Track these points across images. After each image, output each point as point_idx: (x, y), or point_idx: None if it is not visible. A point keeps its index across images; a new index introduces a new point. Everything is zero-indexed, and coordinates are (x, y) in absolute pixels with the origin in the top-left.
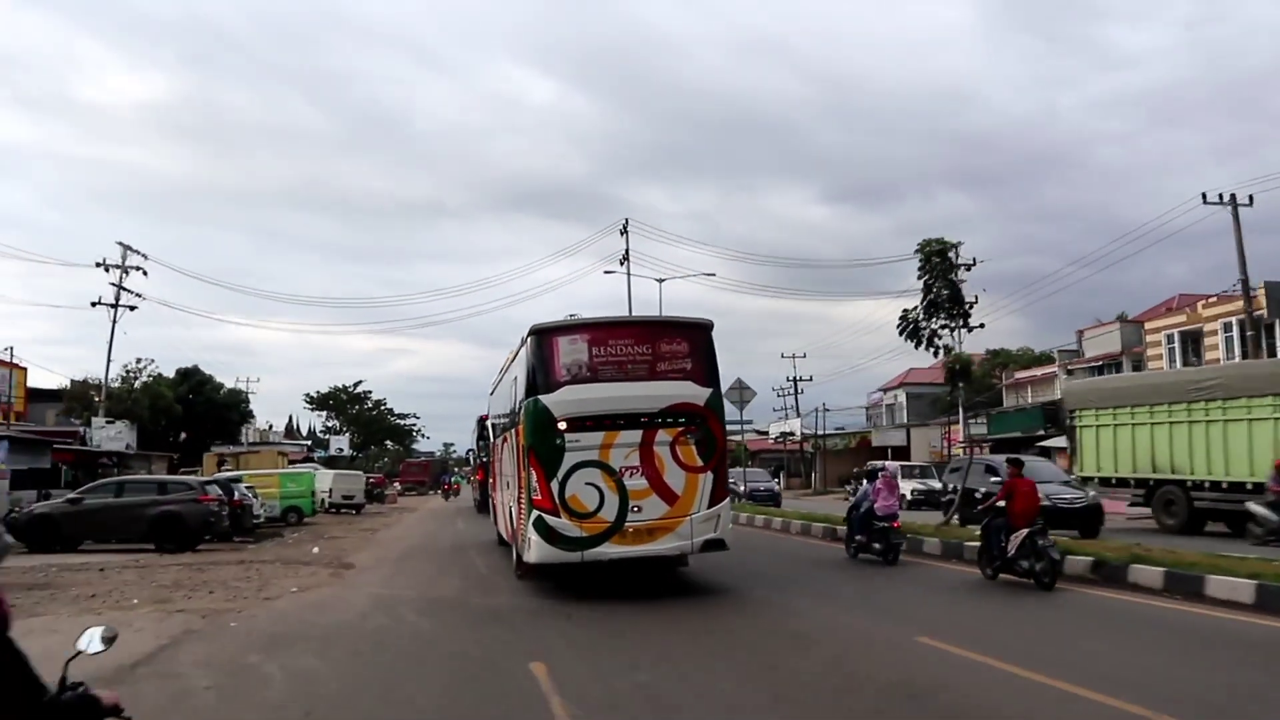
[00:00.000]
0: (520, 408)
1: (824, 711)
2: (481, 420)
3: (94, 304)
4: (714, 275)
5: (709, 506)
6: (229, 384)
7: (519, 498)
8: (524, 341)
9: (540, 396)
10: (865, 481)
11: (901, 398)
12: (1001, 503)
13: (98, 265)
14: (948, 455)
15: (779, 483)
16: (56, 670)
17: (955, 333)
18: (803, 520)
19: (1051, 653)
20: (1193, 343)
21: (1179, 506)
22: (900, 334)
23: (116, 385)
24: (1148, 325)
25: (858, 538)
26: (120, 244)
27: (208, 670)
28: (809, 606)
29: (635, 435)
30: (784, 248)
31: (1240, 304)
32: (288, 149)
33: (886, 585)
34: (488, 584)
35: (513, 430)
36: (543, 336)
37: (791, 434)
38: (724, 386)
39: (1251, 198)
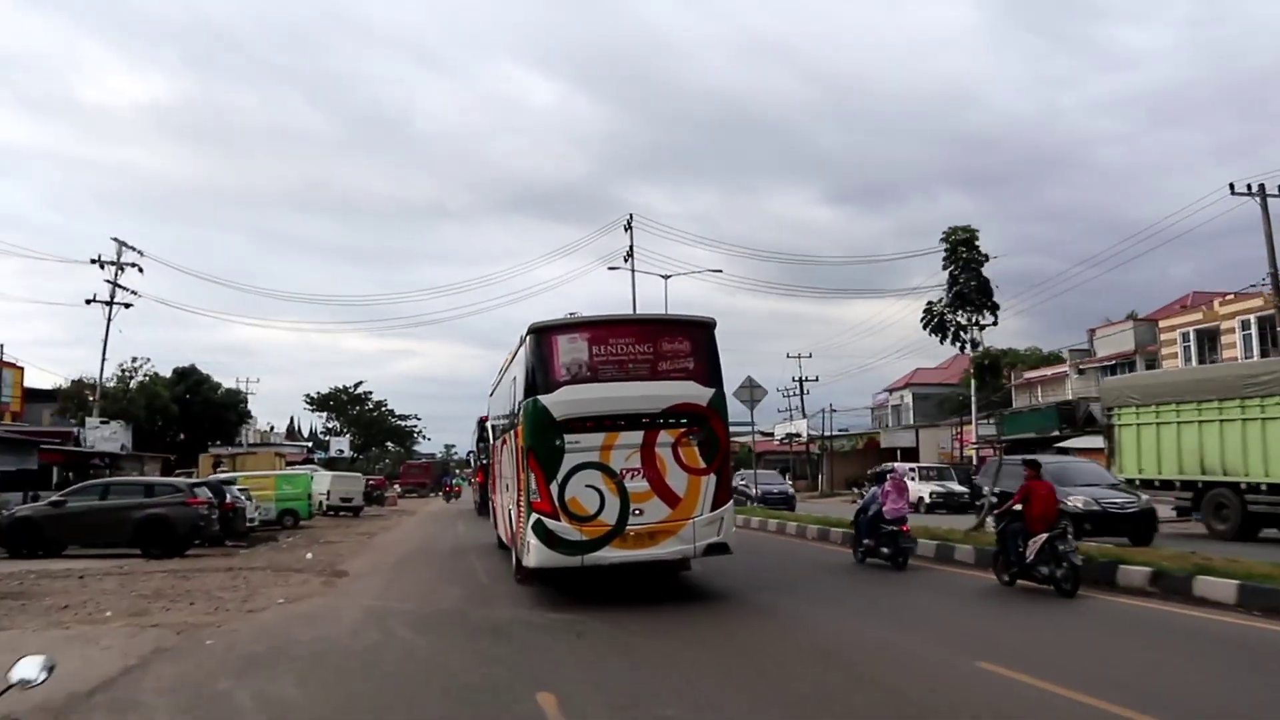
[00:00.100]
0: (519, 408)
1: None
2: (481, 422)
3: (89, 301)
4: (720, 272)
5: (712, 509)
6: (229, 385)
7: (518, 500)
8: (523, 340)
9: (539, 397)
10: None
11: (908, 398)
12: (1018, 506)
13: (93, 262)
14: (960, 457)
15: (791, 485)
16: None
17: (982, 327)
18: (819, 525)
19: (1129, 678)
20: (1209, 341)
21: (1231, 511)
22: (925, 328)
23: (112, 385)
24: (1162, 323)
25: (865, 541)
26: (115, 240)
27: (172, 698)
28: (839, 620)
29: (636, 436)
30: (786, 249)
31: (1259, 301)
32: (289, 150)
33: (917, 595)
34: (489, 594)
35: (512, 432)
36: (542, 335)
37: (798, 435)
38: (734, 385)
39: None
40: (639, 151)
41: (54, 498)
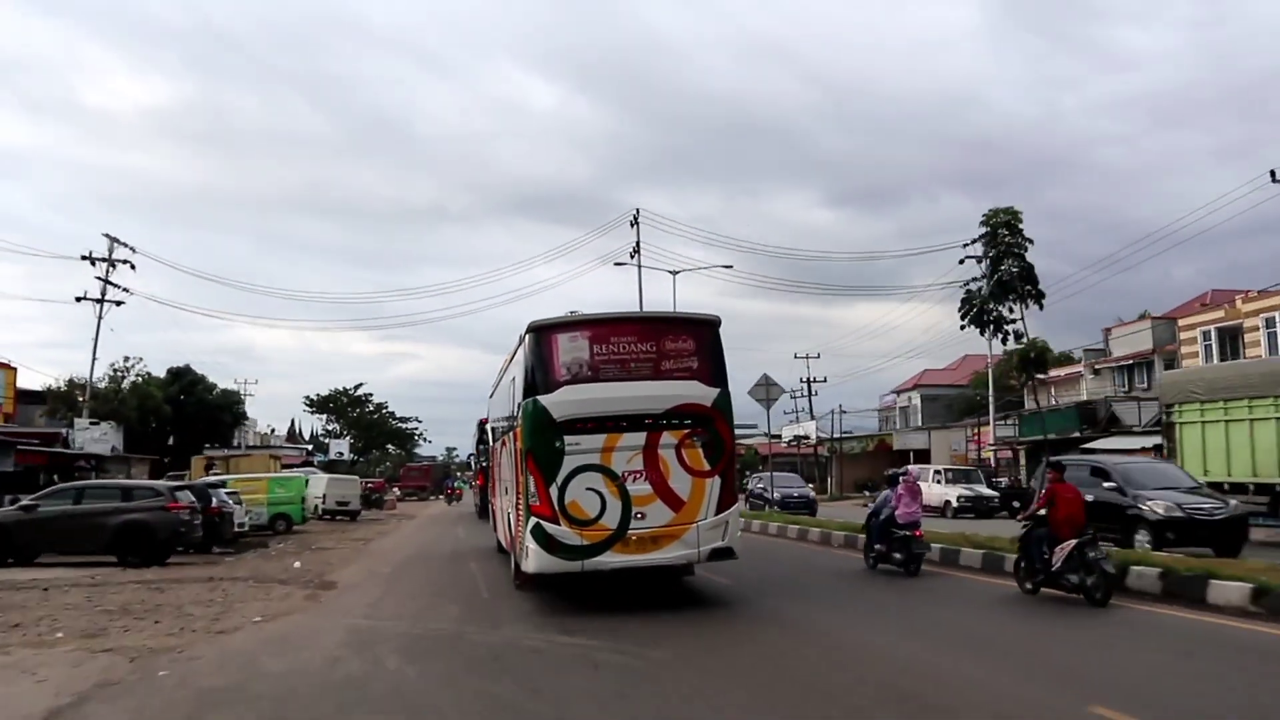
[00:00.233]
0: (518, 409)
1: None
2: (481, 424)
3: (79, 299)
4: (730, 267)
5: (716, 513)
6: (229, 386)
7: (517, 503)
8: (522, 340)
9: (539, 397)
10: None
11: (916, 400)
12: (1042, 511)
13: (84, 258)
14: (977, 458)
15: (812, 488)
16: None
17: (1025, 316)
18: (846, 532)
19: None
20: (1230, 339)
21: None
22: (963, 318)
23: (103, 385)
24: (1181, 322)
25: (877, 546)
26: (107, 236)
27: None
28: (889, 642)
29: (639, 438)
30: (787, 251)
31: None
32: (290, 152)
33: (967, 614)
34: (490, 610)
35: (511, 433)
36: (541, 334)
37: (806, 437)
38: (739, 386)
39: None
40: (640, 154)
41: (25, 501)
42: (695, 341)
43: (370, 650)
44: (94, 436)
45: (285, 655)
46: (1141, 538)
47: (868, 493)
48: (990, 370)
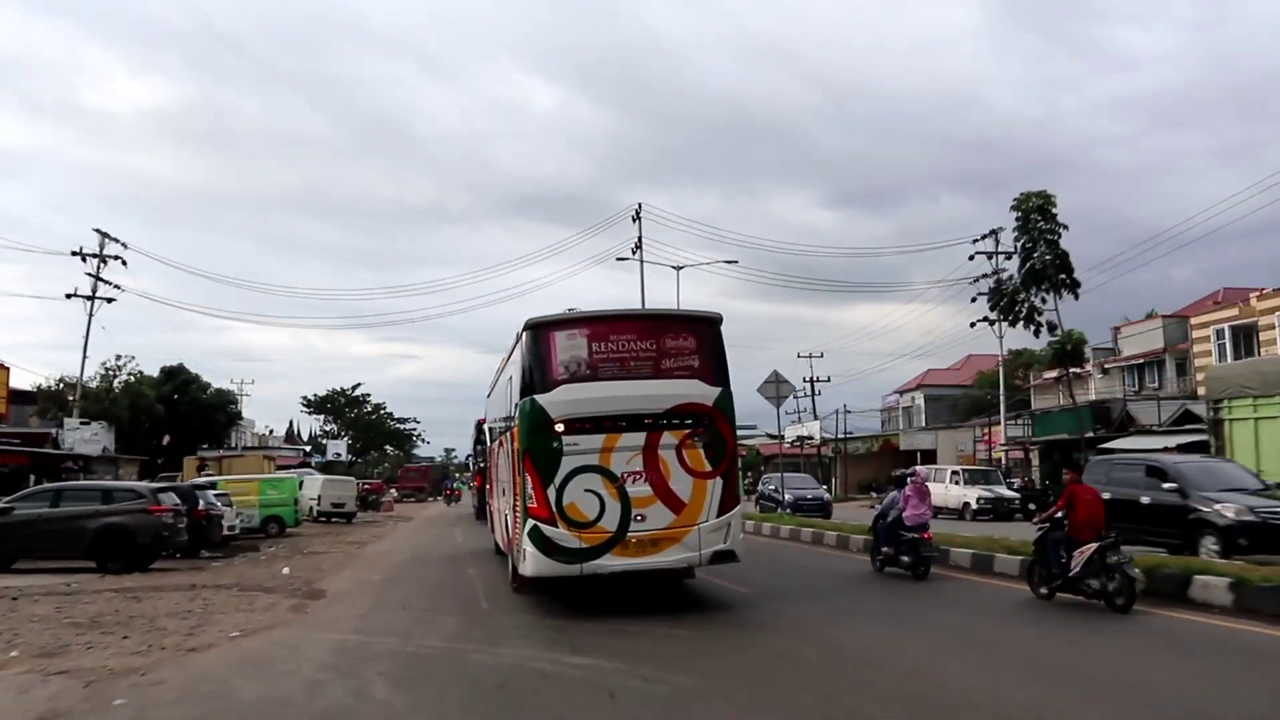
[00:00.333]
0: (515, 409)
1: None
2: (479, 425)
3: (69, 295)
4: (735, 262)
5: (718, 515)
6: (224, 386)
7: (514, 505)
8: (519, 337)
9: (536, 396)
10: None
11: (920, 400)
12: (1060, 513)
13: (74, 254)
14: (988, 459)
15: (827, 490)
16: None
17: (1057, 306)
18: (865, 536)
19: None
20: (1245, 338)
21: None
22: (991, 308)
23: (94, 385)
24: (1194, 320)
25: (884, 549)
26: (97, 231)
27: None
28: (937, 662)
29: (638, 438)
30: (786, 252)
31: None
32: (291, 153)
33: (1020, 624)
34: (490, 624)
35: (508, 434)
36: (539, 331)
37: (810, 437)
38: (748, 384)
39: None
40: (640, 154)
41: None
42: (696, 339)
43: (356, 674)
44: (84, 437)
45: (260, 679)
46: (1209, 544)
47: (874, 494)
48: (1001, 368)
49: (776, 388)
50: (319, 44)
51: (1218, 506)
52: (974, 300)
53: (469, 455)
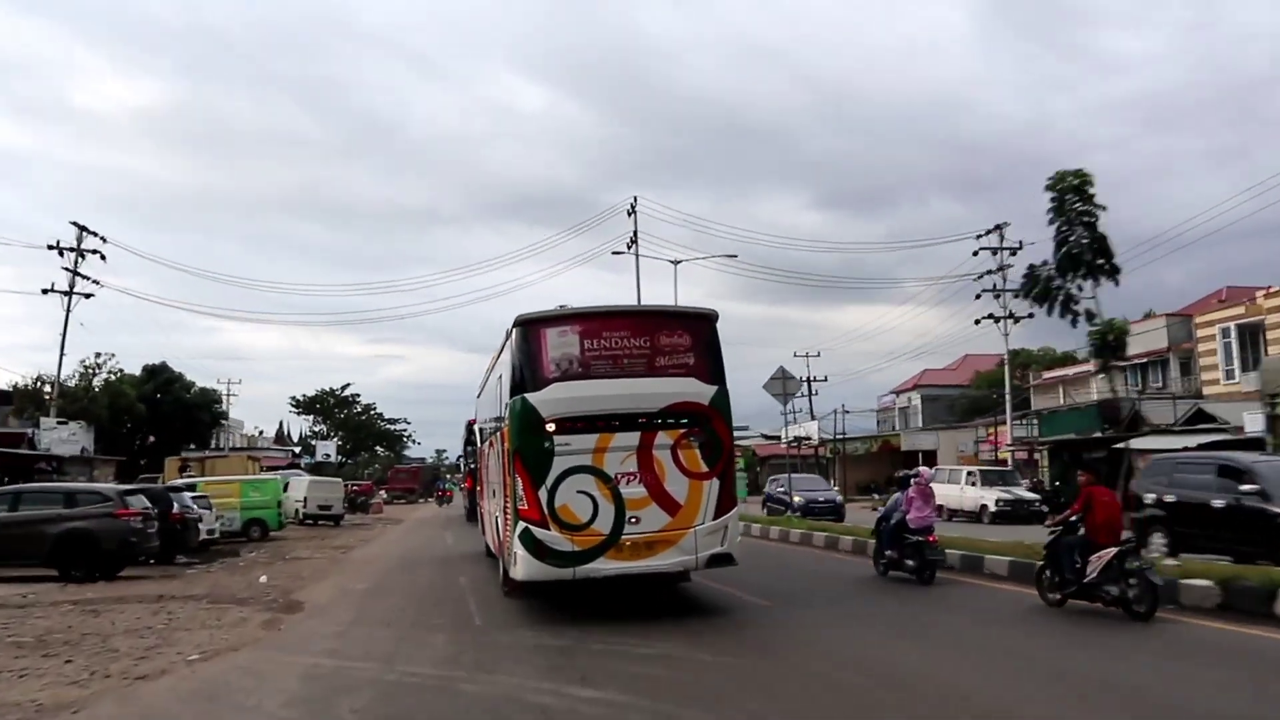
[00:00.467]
0: (505, 408)
1: None
2: (470, 425)
3: (45, 291)
4: (735, 256)
5: (715, 517)
6: (209, 385)
7: (505, 507)
8: (509, 334)
9: (526, 395)
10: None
11: (916, 400)
12: (1075, 516)
13: (50, 248)
14: (994, 459)
15: (838, 490)
16: None
17: (1096, 294)
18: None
19: None
20: (1251, 336)
21: None
22: (1025, 296)
23: (73, 383)
24: (1198, 319)
25: (888, 553)
26: (75, 224)
27: None
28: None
29: (632, 437)
30: (776, 254)
31: None
32: (283, 154)
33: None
34: (485, 644)
35: (498, 434)
36: (529, 328)
37: (807, 438)
38: (744, 385)
39: None
40: (632, 156)
41: None
42: (691, 336)
43: (328, 709)
44: (61, 437)
45: (212, 717)
46: None
47: (876, 495)
48: (1007, 367)
49: (783, 384)
50: (311, 46)
51: None
52: (978, 297)
53: (460, 456)
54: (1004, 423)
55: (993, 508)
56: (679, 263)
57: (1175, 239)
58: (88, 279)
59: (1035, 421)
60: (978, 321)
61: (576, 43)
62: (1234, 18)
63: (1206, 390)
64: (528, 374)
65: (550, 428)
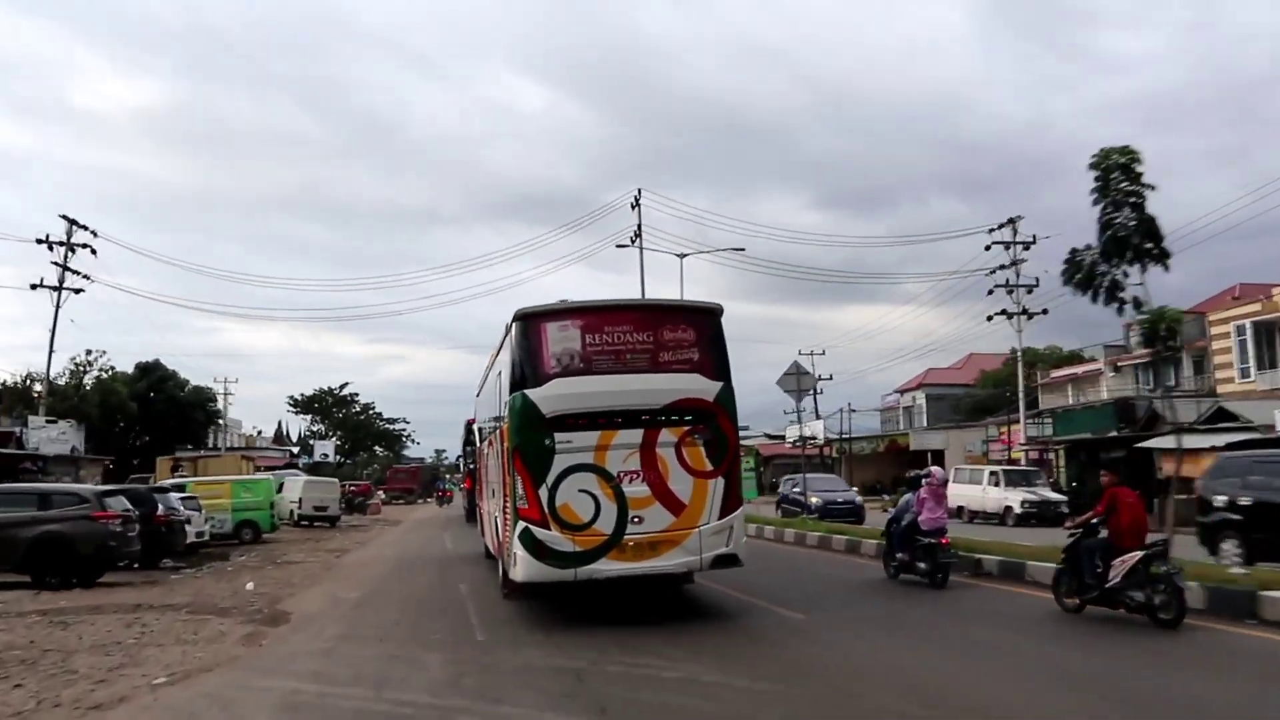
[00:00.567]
0: (504, 405)
1: None
2: (469, 424)
3: (34, 286)
4: (743, 250)
5: (720, 517)
6: (204, 384)
7: (504, 507)
8: (508, 329)
9: (526, 391)
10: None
11: (921, 399)
12: (1097, 519)
13: (39, 241)
14: (1006, 459)
15: (856, 492)
16: None
17: (1144, 280)
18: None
19: None
20: (1268, 333)
21: None
22: (1066, 282)
23: (64, 381)
24: (1211, 316)
25: (899, 555)
26: (64, 218)
27: None
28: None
29: (635, 435)
30: (776, 253)
31: None
32: (283, 154)
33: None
34: (489, 665)
35: (497, 432)
36: (529, 323)
37: (813, 437)
38: (746, 386)
39: None
40: (631, 156)
41: None
42: (696, 331)
43: None
44: (51, 436)
45: None
46: None
47: (885, 496)
48: (1020, 364)
49: (798, 379)
50: (311, 46)
51: None
52: (990, 293)
53: (459, 456)
54: (1016, 421)
55: (1018, 509)
56: (685, 256)
57: (1174, 239)
58: (78, 274)
59: (1049, 420)
60: (990, 318)
61: (576, 43)
62: (1234, 18)
63: (1221, 389)
64: (528, 370)
65: (551, 425)
